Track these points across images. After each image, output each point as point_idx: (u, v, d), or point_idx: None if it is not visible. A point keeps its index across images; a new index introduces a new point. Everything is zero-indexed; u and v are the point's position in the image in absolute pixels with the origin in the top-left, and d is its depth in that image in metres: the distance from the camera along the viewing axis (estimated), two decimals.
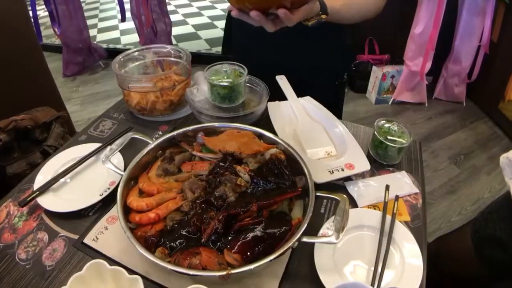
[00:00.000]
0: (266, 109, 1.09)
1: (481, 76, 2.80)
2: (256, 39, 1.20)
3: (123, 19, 3.58)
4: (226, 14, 2.43)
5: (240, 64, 1.08)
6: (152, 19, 3.28)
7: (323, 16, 0.90)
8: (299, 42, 1.19)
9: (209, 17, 4.81)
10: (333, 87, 1.33)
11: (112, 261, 0.76)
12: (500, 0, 2.48)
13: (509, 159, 0.90)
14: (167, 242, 0.69)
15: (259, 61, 1.15)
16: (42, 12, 4.31)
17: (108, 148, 0.90)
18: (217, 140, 0.87)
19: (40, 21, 3.69)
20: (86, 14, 3.51)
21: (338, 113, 1.34)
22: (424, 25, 2.56)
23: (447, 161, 2.50)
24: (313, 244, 0.76)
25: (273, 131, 0.97)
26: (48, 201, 0.87)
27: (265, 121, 1.05)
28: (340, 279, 0.71)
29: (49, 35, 4.08)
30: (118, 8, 3.77)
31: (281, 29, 1.05)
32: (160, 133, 1.12)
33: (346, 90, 3.14)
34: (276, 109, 1.09)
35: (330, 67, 1.28)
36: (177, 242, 0.68)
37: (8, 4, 1.66)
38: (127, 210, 0.75)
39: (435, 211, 2.13)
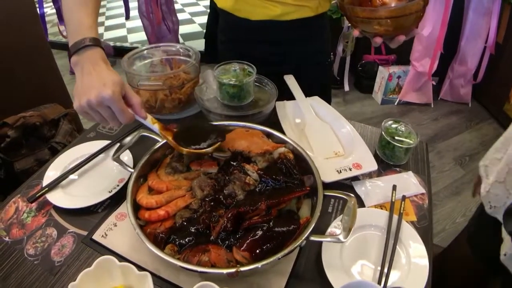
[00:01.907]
0: (275, 108, 1.09)
1: (487, 77, 2.79)
2: (248, 35, 1.21)
3: (127, 17, 3.58)
4: (208, 13, 2.39)
5: (249, 63, 1.08)
6: (163, 17, 3.29)
7: None
8: (292, 33, 1.19)
9: None
10: (324, 67, 1.35)
11: (121, 258, 0.76)
12: (506, 1, 2.47)
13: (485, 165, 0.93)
14: (177, 239, 0.69)
15: (254, 56, 1.16)
16: (49, 9, 4.34)
17: (118, 145, 0.91)
18: (226, 139, 0.87)
19: (47, 18, 3.70)
20: None
21: (329, 95, 1.39)
22: (431, 26, 2.55)
23: (452, 162, 2.49)
24: (320, 243, 0.76)
25: (281, 130, 0.98)
26: (57, 198, 0.88)
27: (273, 120, 1.06)
28: (347, 278, 0.71)
29: (55, 32, 4.10)
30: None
31: (276, 26, 1.11)
32: None
33: (352, 90, 3.17)
34: (284, 109, 1.10)
35: (321, 49, 1.30)
36: (186, 239, 0.69)
37: (16, 2, 1.67)
38: (136, 207, 0.76)
39: (440, 212, 2.12)
